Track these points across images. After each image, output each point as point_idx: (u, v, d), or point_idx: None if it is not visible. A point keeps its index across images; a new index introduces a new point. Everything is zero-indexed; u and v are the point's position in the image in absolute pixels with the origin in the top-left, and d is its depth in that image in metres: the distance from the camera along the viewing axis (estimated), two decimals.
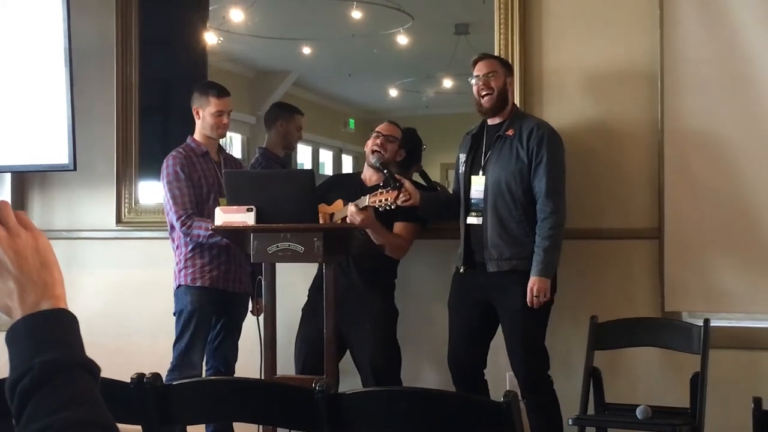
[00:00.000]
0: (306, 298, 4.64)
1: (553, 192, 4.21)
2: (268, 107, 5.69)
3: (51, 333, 1.14)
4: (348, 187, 4.62)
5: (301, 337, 4.53)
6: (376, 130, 4.58)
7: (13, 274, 1.16)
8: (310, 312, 4.49)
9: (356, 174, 4.84)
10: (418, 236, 4.59)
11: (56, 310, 1.16)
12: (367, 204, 4.14)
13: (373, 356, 4.40)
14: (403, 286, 4.68)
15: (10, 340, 1.14)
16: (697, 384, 4.00)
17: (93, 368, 1.13)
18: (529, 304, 4.15)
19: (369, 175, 4.65)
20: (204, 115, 4.67)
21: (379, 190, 4.16)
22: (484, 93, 4.35)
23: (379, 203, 4.13)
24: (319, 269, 4.50)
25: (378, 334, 4.44)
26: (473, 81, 4.38)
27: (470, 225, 4.36)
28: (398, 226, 4.47)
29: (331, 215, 4.37)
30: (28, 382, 1.08)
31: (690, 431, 3.95)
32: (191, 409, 2.56)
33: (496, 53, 4.71)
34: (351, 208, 4.17)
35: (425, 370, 4.77)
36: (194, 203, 4.56)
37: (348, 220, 4.18)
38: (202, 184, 4.61)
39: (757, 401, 2.33)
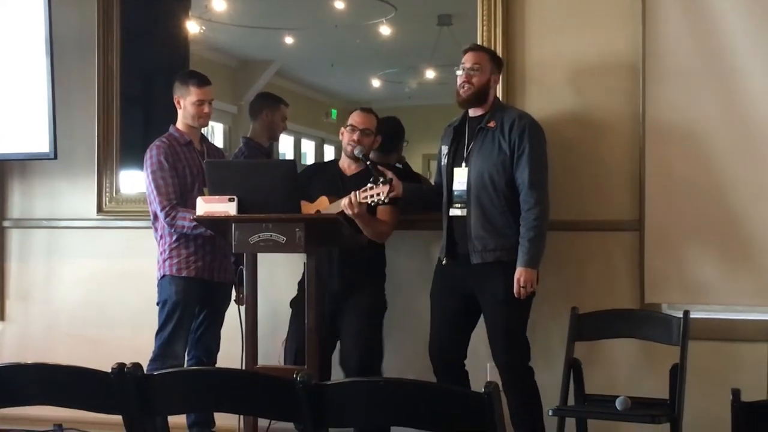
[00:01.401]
0: (291, 293, 4.63)
1: (536, 183, 4.22)
2: (250, 97, 5.68)
3: None
4: (328, 177, 4.62)
5: (293, 331, 4.52)
6: (350, 123, 4.57)
7: None
8: (299, 306, 4.49)
9: (334, 162, 4.83)
10: (401, 227, 4.60)
11: None
12: (359, 200, 4.17)
13: (357, 349, 4.41)
14: (390, 276, 4.68)
15: None
16: (677, 375, 4.02)
17: None
18: (516, 295, 4.17)
19: (347, 165, 4.65)
20: (185, 104, 4.65)
21: (369, 185, 4.18)
22: (464, 85, 4.35)
23: (371, 198, 4.16)
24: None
25: (363, 327, 4.45)
26: (458, 71, 4.38)
27: (453, 216, 4.37)
28: (382, 210, 4.49)
29: (317, 212, 4.37)
30: None
31: (669, 422, 3.98)
32: (172, 399, 2.56)
33: (482, 44, 4.71)
34: (347, 200, 4.20)
35: (408, 360, 4.78)
36: (178, 193, 4.55)
37: (344, 207, 4.20)
38: (186, 174, 4.60)
39: (736, 393, 2.34)
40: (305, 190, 4.42)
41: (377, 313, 4.58)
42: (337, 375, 4.46)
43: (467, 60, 4.38)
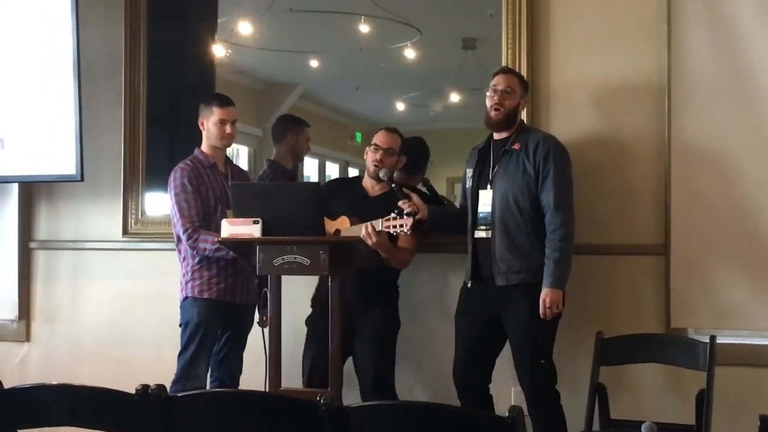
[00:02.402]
0: (310, 310, 4.64)
1: (561, 204, 4.21)
2: (274, 120, 5.69)
3: None
4: (350, 195, 4.62)
5: (308, 349, 4.53)
6: (375, 142, 4.58)
7: None
8: (315, 324, 4.50)
9: (357, 180, 4.81)
10: (422, 250, 4.59)
11: None
12: (381, 229, 4.16)
13: (372, 367, 4.40)
14: (406, 299, 4.68)
15: None
16: (703, 401, 3.97)
17: None
18: (542, 316, 4.15)
19: (371, 185, 4.65)
20: (208, 125, 4.68)
21: (393, 215, 4.16)
22: (495, 107, 4.35)
23: (393, 229, 4.15)
24: (321, 281, 4.50)
25: (377, 344, 4.44)
26: (489, 92, 4.38)
27: (478, 239, 4.36)
28: (404, 238, 4.48)
29: (336, 231, 4.37)
30: None
31: None
32: (196, 421, 2.56)
33: (510, 67, 4.70)
34: (365, 231, 4.17)
35: (426, 383, 4.76)
36: (201, 216, 4.57)
37: (363, 238, 4.18)
38: (210, 196, 4.62)
39: (764, 419, 2.32)
40: (327, 207, 4.41)
41: (391, 330, 4.56)
42: (353, 393, 4.44)
43: (499, 82, 4.37)
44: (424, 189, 5.09)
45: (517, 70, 4.69)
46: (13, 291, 5.71)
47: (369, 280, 4.48)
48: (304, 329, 4.62)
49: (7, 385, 2.64)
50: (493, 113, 4.36)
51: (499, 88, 4.36)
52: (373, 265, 4.29)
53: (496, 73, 4.42)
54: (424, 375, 4.82)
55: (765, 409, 2.42)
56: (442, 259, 4.84)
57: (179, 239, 4.63)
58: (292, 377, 4.46)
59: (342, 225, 4.39)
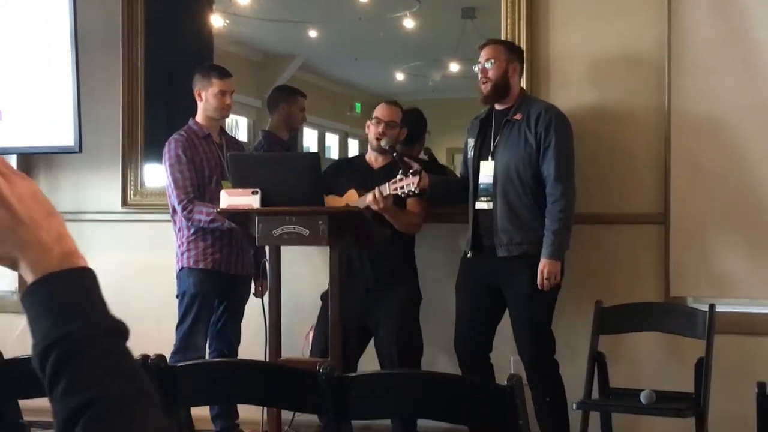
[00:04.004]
0: (318, 285, 4.63)
1: (562, 175, 4.21)
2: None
3: (78, 296, 1.02)
4: (355, 172, 4.62)
5: (320, 323, 4.50)
6: (376, 115, 4.58)
7: (23, 224, 1.04)
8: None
9: (360, 157, 4.83)
10: (425, 221, 4.60)
11: (80, 269, 1.04)
12: (389, 193, 4.17)
13: (398, 344, 4.39)
14: None
15: (31, 303, 1.02)
16: (702, 369, 3.99)
17: (123, 330, 1.03)
18: (539, 287, 4.16)
19: (374, 158, 4.65)
20: (207, 96, 4.66)
21: (398, 177, 4.17)
22: (482, 81, 4.34)
23: (401, 190, 4.16)
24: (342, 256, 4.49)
25: (404, 323, 4.44)
26: (476, 68, 4.38)
27: (479, 210, 4.36)
28: (411, 203, 4.49)
29: (346, 206, 4.36)
30: (61, 354, 0.97)
31: (694, 416, 3.96)
32: (196, 390, 2.57)
33: (502, 38, 4.69)
34: (371, 197, 4.18)
35: (431, 353, 4.77)
36: (196, 187, 4.56)
37: (369, 203, 4.20)
38: (204, 167, 4.61)
39: (761, 386, 2.33)
40: (332, 186, 4.41)
41: (414, 305, 4.56)
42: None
43: (482, 56, 4.37)
44: (425, 158, 5.09)
45: (516, 40, 4.68)
46: None
47: (386, 259, 4.48)
48: (303, 301, 4.64)
49: (7, 357, 2.64)
50: (483, 88, 4.35)
51: (481, 60, 4.35)
52: (377, 238, 4.29)
53: (480, 48, 4.41)
54: (427, 344, 4.82)
55: (763, 376, 2.43)
56: (442, 229, 4.84)
57: (174, 210, 4.63)
58: (291, 348, 4.47)
59: (350, 199, 4.39)
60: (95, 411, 0.95)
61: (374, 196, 4.20)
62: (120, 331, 1.03)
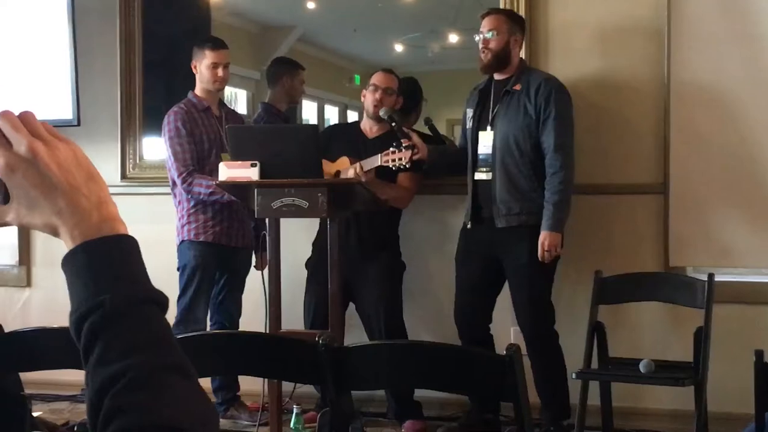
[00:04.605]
0: (310, 253, 4.65)
1: (561, 146, 4.20)
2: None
3: (118, 264, 1.00)
4: (349, 138, 4.62)
5: (309, 293, 4.55)
6: (372, 82, 4.57)
7: (61, 189, 1.01)
8: (316, 268, 4.51)
9: (355, 124, 4.82)
10: (421, 192, 4.59)
11: (119, 236, 1.02)
12: (380, 163, 4.16)
13: (382, 309, 4.42)
14: (406, 241, 4.70)
15: (69, 270, 1.00)
16: (701, 338, 4.00)
17: (162, 301, 1.01)
18: (540, 259, 4.16)
19: (369, 126, 4.64)
20: (201, 68, 4.66)
21: (391, 149, 4.17)
22: (483, 51, 4.33)
23: (392, 163, 4.16)
24: (322, 224, 4.50)
25: (385, 287, 4.47)
26: (477, 38, 4.36)
27: (478, 180, 4.36)
28: (402, 177, 4.48)
29: (337, 173, 4.36)
30: (96, 320, 0.96)
31: (693, 385, 3.97)
32: (197, 362, 2.55)
33: (501, 7, 4.67)
34: (352, 172, 4.19)
35: (428, 323, 4.79)
36: (195, 159, 4.56)
37: (352, 177, 4.20)
38: (204, 140, 4.61)
39: (759, 354, 2.34)
40: (326, 150, 4.40)
41: (398, 273, 4.59)
42: (355, 336, 4.46)
43: (483, 26, 4.36)
44: (427, 131, 5.08)
45: (515, 9, 4.65)
46: (12, 236, 5.72)
47: (370, 227, 4.49)
48: (304, 273, 4.63)
49: (8, 330, 2.65)
50: (482, 56, 4.33)
51: (483, 30, 4.33)
52: (372, 207, 4.29)
53: (482, 17, 4.39)
54: (426, 315, 4.84)
55: (761, 345, 2.44)
56: (442, 200, 4.85)
57: (174, 183, 4.63)
58: (292, 319, 4.48)
59: (341, 166, 4.39)
60: (124, 383, 0.93)
61: (355, 171, 4.20)
62: (156, 300, 1.01)
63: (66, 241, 1.02)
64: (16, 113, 1.08)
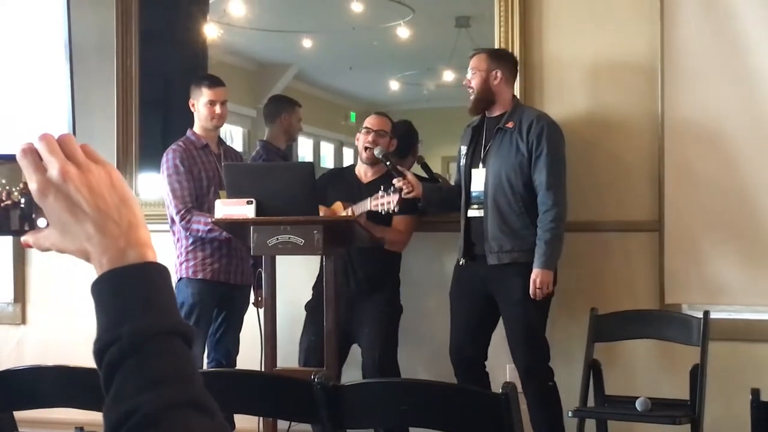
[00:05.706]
0: (310, 295, 4.64)
1: (553, 184, 4.22)
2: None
3: (141, 294, 0.99)
4: (345, 185, 4.64)
5: (306, 331, 4.53)
6: (365, 125, 4.60)
7: (90, 216, 1.01)
8: (315, 309, 4.50)
9: (350, 169, 4.84)
10: (417, 229, 4.60)
11: (146, 264, 1.01)
12: (363, 212, 4.21)
13: (378, 354, 4.42)
14: (402, 277, 4.69)
15: (94, 297, 1.00)
16: (697, 376, 4.00)
17: (187, 333, 0.99)
18: (531, 296, 4.16)
19: (364, 171, 4.66)
20: (198, 106, 4.68)
21: (380, 193, 4.18)
22: (469, 92, 4.38)
23: (381, 207, 4.17)
24: (322, 266, 4.51)
25: (382, 333, 4.46)
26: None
27: (471, 218, 4.37)
28: (397, 220, 4.49)
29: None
30: (115, 352, 0.95)
31: (690, 423, 3.96)
32: None
33: (496, 46, 4.71)
34: (346, 215, 4.23)
35: (423, 361, 4.78)
36: (194, 197, 4.57)
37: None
38: (202, 177, 4.62)
39: (755, 393, 2.33)
40: (322, 197, 4.43)
41: (394, 316, 4.58)
42: (353, 375, 4.45)
43: (469, 68, 4.41)
44: (420, 170, 5.10)
45: (510, 47, 4.69)
46: (7, 273, 5.71)
47: (369, 270, 4.50)
48: (300, 311, 4.63)
49: (3, 369, 2.64)
50: (470, 98, 4.38)
51: (468, 73, 4.39)
52: (369, 244, 4.30)
53: (469, 59, 4.45)
54: (421, 353, 4.83)
55: (757, 383, 2.44)
56: (436, 237, 4.85)
57: (173, 221, 4.64)
58: (288, 358, 4.47)
59: (335, 212, 4.41)
60: (136, 420, 0.91)
61: (347, 215, 4.23)
62: (180, 332, 0.99)
63: (95, 268, 1.02)
64: (56, 136, 1.07)
